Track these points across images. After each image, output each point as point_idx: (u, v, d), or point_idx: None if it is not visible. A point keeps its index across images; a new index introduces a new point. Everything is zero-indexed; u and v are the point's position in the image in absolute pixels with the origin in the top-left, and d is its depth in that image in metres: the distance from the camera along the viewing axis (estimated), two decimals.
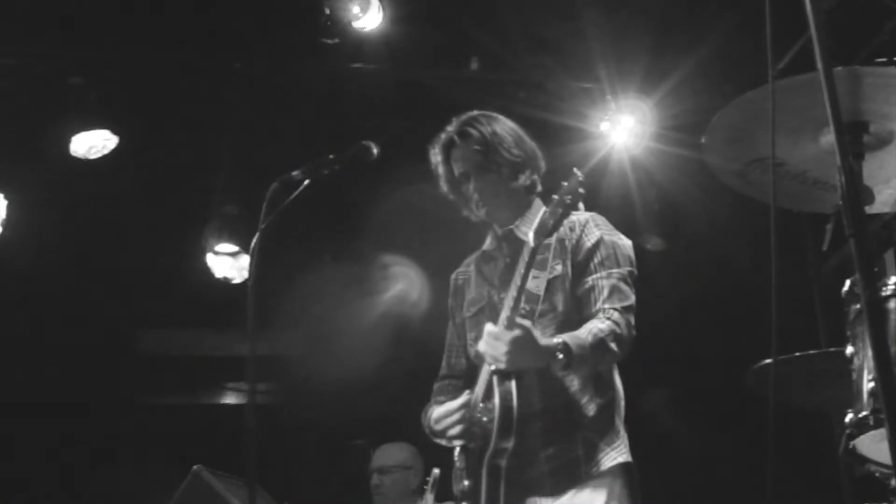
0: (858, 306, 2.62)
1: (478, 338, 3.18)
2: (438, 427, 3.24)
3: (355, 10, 5.27)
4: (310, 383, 6.81)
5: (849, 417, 2.53)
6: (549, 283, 3.16)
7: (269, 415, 6.61)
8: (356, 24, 5.32)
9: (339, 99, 5.84)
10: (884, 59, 2.51)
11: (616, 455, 3.16)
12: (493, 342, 2.98)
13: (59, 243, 6.46)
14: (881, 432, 2.43)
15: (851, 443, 2.57)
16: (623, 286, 3.19)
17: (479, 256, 3.52)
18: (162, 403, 7.82)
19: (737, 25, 4.96)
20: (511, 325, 2.96)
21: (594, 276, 3.19)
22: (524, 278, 3.02)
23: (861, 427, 2.50)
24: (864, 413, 2.50)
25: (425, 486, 5.14)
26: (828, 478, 5.30)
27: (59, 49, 5.54)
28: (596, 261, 3.21)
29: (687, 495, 3.27)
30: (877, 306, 2.00)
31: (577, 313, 3.19)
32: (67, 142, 5.67)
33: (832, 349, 3.33)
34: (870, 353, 2.39)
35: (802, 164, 2.65)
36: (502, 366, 2.99)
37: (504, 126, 3.40)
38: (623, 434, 3.23)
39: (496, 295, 3.32)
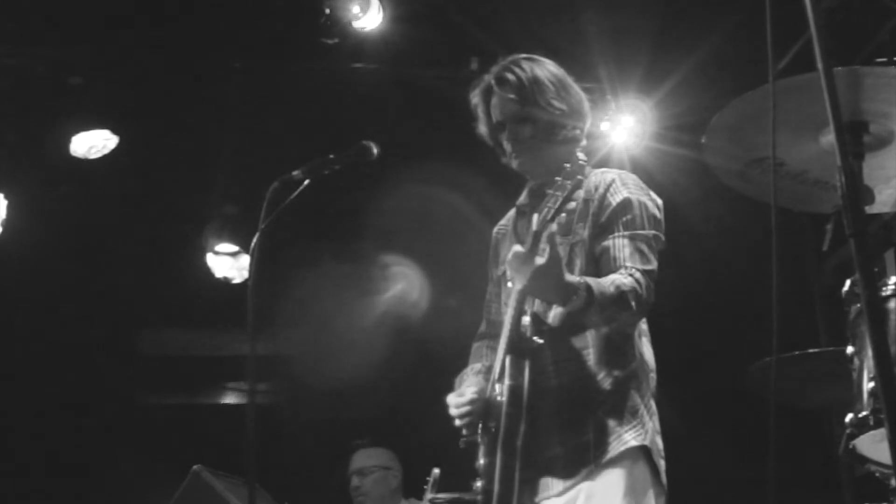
0: (858, 306, 2.62)
1: (507, 300, 3.09)
2: (451, 413, 3.15)
3: (355, 10, 5.26)
4: (309, 383, 6.81)
5: (849, 417, 2.53)
6: (572, 248, 3.04)
7: (269, 415, 6.61)
8: (356, 24, 5.31)
9: (339, 99, 5.84)
10: (884, 59, 2.51)
11: (630, 438, 2.98)
12: (518, 264, 2.86)
13: (59, 243, 6.46)
14: (881, 432, 2.43)
15: (851, 443, 2.57)
16: (646, 249, 3.03)
17: (515, 210, 3.38)
18: (162, 403, 7.81)
19: (737, 25, 4.97)
20: (538, 250, 2.84)
21: (614, 235, 3.04)
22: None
23: (861, 427, 2.50)
24: (864, 413, 2.50)
25: (425, 486, 5.13)
26: (828, 478, 5.30)
27: (59, 49, 5.54)
28: (619, 222, 3.05)
29: (686, 495, 3.26)
30: (877, 306, 2.00)
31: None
32: (67, 142, 5.66)
33: (832, 349, 3.34)
34: (870, 353, 2.39)
35: (802, 164, 2.65)
36: (520, 286, 2.90)
37: (548, 73, 3.21)
38: (644, 412, 3.04)
39: None
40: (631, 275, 2.96)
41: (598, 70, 5.55)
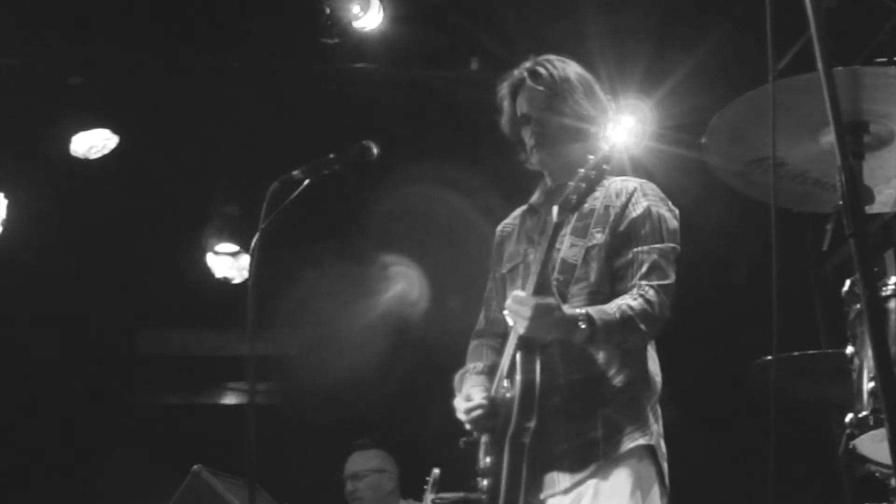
0: (858, 306, 2.62)
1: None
2: (460, 417, 3.17)
3: (355, 9, 5.27)
4: (309, 383, 6.81)
5: (849, 417, 2.53)
6: (587, 251, 3.06)
7: (269, 415, 6.60)
8: (356, 24, 5.32)
9: (339, 99, 5.84)
10: (884, 59, 2.51)
11: (639, 436, 3.02)
12: (517, 306, 2.92)
13: (59, 243, 6.45)
14: (881, 432, 2.43)
15: (851, 443, 2.57)
16: (664, 263, 3.07)
17: (525, 209, 3.39)
18: (162, 403, 7.81)
19: (737, 25, 4.97)
20: (537, 291, 2.91)
21: (635, 249, 3.08)
22: (547, 253, 2.95)
23: (861, 427, 2.50)
24: (864, 413, 2.50)
25: (425, 486, 5.13)
26: (828, 478, 5.30)
27: (59, 49, 5.54)
28: (640, 234, 3.09)
29: (686, 495, 3.26)
30: (877, 306, 2.00)
31: (610, 286, 3.08)
32: (67, 142, 5.67)
33: (832, 349, 3.34)
34: (870, 353, 2.39)
35: (802, 164, 2.65)
36: (522, 331, 2.93)
37: (578, 74, 3.28)
38: (650, 413, 3.09)
39: (532, 254, 3.20)
40: (642, 294, 3.00)
41: (598, 70, 5.53)
